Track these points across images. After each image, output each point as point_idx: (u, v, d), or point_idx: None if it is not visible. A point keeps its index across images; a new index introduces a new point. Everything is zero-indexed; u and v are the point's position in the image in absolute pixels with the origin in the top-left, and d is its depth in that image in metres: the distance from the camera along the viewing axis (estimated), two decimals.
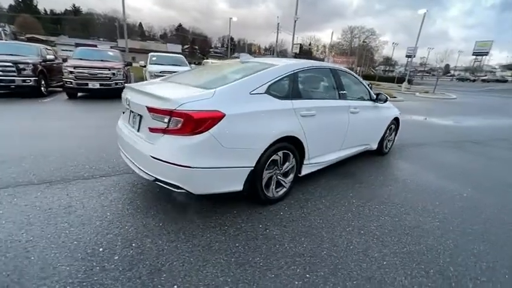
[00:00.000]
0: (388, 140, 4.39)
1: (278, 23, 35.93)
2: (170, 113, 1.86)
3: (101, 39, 60.26)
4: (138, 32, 79.90)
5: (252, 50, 72.70)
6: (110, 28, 61.24)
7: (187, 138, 1.86)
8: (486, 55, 50.36)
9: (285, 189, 2.59)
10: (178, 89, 2.31)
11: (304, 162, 2.71)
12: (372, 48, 63.67)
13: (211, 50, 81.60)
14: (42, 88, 8.03)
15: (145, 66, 10.36)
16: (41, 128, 4.66)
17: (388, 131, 4.23)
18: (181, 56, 11.84)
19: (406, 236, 2.21)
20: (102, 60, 9.10)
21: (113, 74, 8.46)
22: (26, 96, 7.51)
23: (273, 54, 68.94)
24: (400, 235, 2.21)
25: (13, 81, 7.24)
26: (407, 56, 48.21)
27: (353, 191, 2.96)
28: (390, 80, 40.91)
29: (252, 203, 2.49)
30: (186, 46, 68.76)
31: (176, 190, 2.02)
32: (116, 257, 1.73)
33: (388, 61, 68.00)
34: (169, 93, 2.01)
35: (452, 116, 9.73)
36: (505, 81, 44.53)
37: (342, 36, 63.69)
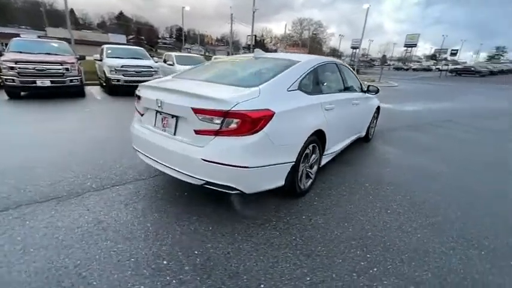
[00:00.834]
0: (371, 127, 4.85)
1: (232, 14, 35.35)
2: (225, 114, 1.81)
3: (23, 27, 51.32)
4: (71, 19, 70.43)
5: (204, 41, 70.25)
6: (33, 14, 52.57)
7: (243, 139, 1.84)
8: (415, 46, 56.63)
9: (311, 180, 2.73)
10: (217, 87, 2.20)
11: (324, 153, 2.88)
12: (320, 39, 67.21)
13: (159, 41, 76.41)
14: None
15: (101, 60, 9.32)
16: (1, 135, 3.95)
17: (372, 119, 4.67)
18: (141, 48, 10.95)
19: (422, 210, 2.55)
20: (49, 54, 7.92)
21: (66, 69, 7.46)
22: None
23: (227, 45, 67.84)
24: (417, 210, 2.54)
25: None
26: (353, 48, 52.27)
27: (361, 176, 3.25)
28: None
29: (283, 197, 2.57)
30: (131, 36, 63.07)
31: (228, 191, 1.99)
32: (187, 267, 1.66)
33: (334, 52, 72.66)
34: (217, 93, 1.93)
35: (402, 102, 11.03)
36: (430, 69, 51.72)
37: (292, 28, 65.72)
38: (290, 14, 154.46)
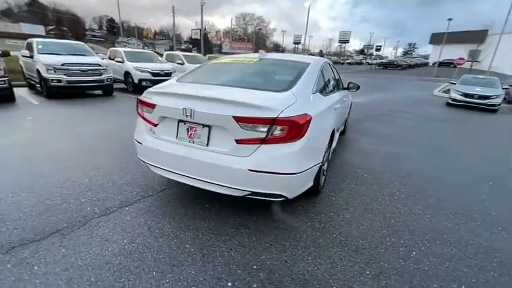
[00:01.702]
0: (347, 121, 5.27)
1: (173, 6, 33.34)
2: (272, 122, 1.75)
3: None
4: None
5: (143, 35, 64.63)
6: None
7: (291, 145, 1.82)
8: (347, 42, 61.83)
9: (324, 177, 2.85)
10: (249, 93, 2.07)
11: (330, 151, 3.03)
12: (264, 35, 68.64)
13: (87, 33, 67.41)
14: None
15: (31, 57, 7.81)
16: None
17: (348, 114, 5.07)
18: (82, 43, 9.55)
19: (417, 193, 2.92)
20: None
21: None
22: None
23: (168, 39, 63.88)
24: (415, 194, 2.90)
25: None
26: (295, 43, 55.04)
27: (356, 168, 3.53)
28: None
29: (301, 197, 2.62)
30: (51, 27, 54.04)
31: (271, 199, 1.95)
32: (255, 285, 1.59)
33: (278, 47, 75.25)
34: (259, 100, 1.85)
35: (352, 94, 12.16)
36: (362, 63, 58.00)
37: (236, 23, 65.48)
38: (232, 8, 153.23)
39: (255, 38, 55.75)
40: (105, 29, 79.08)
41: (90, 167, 3.05)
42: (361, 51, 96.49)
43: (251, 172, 1.80)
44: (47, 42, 8.67)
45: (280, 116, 1.75)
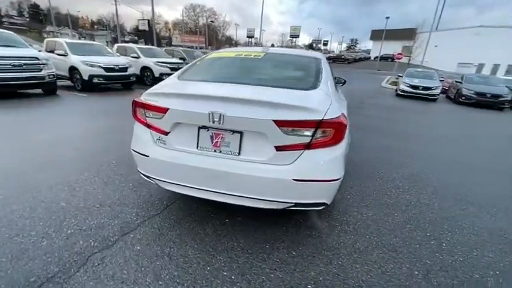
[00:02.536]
0: None
1: None
2: (318, 124, 1.57)
3: None
4: None
5: (78, 24, 56.95)
6: None
7: (335, 149, 1.67)
8: (298, 37, 63.88)
9: None
10: (281, 92, 1.82)
11: None
12: (216, 28, 66.91)
13: (3, 20, 56.81)
14: None
15: None
16: None
17: None
18: (10, 32, 7.87)
19: (418, 182, 3.08)
20: None
21: None
22: None
23: (109, 30, 57.79)
24: (416, 184, 3.05)
25: None
26: (249, 37, 54.92)
27: (354, 164, 3.58)
28: None
29: None
30: None
31: (312, 209, 1.79)
32: None
33: (231, 41, 74.24)
34: (301, 101, 1.64)
35: None
36: None
37: (185, 14, 62.36)
38: None
39: (208, 31, 53.94)
40: (27, 15, 67.75)
41: (62, 186, 2.48)
42: (310, 46, 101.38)
43: (296, 182, 1.60)
44: None
45: (326, 117, 1.58)
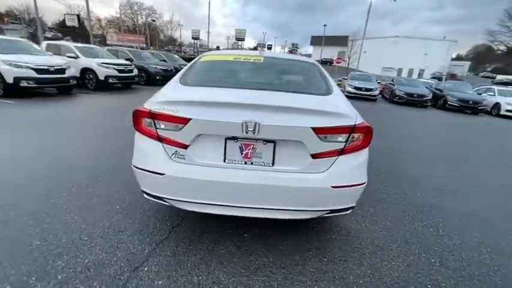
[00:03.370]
0: None
1: None
2: (351, 130, 1.58)
3: None
4: None
5: None
6: None
7: (362, 153, 1.70)
8: (243, 40, 65.09)
9: None
10: (306, 98, 1.79)
11: None
12: (157, 27, 63.28)
13: None
14: None
15: None
16: None
17: None
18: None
19: (403, 176, 3.40)
20: None
21: None
22: None
23: (25, 24, 49.28)
24: (411, 182, 3.36)
25: None
26: (194, 38, 53.31)
27: None
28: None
29: None
30: None
31: (342, 213, 1.79)
32: None
33: (174, 42, 71.07)
34: (333, 107, 1.62)
35: None
36: None
37: (121, 12, 57.23)
38: None
39: (149, 31, 50.52)
40: None
41: (26, 219, 1.97)
42: (255, 49, 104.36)
43: (334, 189, 1.59)
44: None
45: (357, 122, 1.60)
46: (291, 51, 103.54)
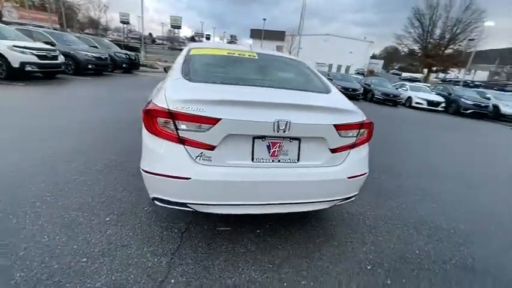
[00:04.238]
0: None
1: None
2: (360, 125, 1.76)
3: None
4: None
5: None
6: None
7: (366, 146, 1.92)
8: (180, 28, 61.81)
9: None
10: (316, 96, 1.90)
11: None
12: (73, 5, 54.16)
13: None
14: None
15: None
16: None
17: None
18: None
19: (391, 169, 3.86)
20: None
21: None
22: None
23: None
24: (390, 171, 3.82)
25: None
26: (123, 22, 47.55)
27: None
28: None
29: None
30: None
31: (348, 201, 1.98)
32: None
33: (97, 24, 62.10)
34: (344, 104, 1.76)
35: None
36: None
37: None
38: None
39: (63, 9, 42.74)
40: None
41: None
42: (192, 39, 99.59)
43: (349, 179, 1.76)
44: None
45: (364, 119, 1.80)
46: (229, 43, 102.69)
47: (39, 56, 7.86)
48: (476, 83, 34.92)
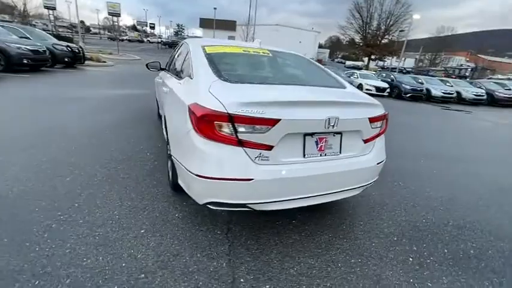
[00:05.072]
0: None
1: None
2: (384, 117, 1.99)
3: None
4: None
5: None
6: None
7: (383, 135, 2.15)
8: (119, 16, 56.51)
9: None
10: (336, 91, 2.04)
11: None
12: None
13: None
14: None
15: None
16: None
17: None
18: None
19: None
20: None
21: None
22: None
23: None
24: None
25: None
26: (48, 8, 41.01)
27: None
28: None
29: None
30: None
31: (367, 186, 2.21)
32: None
33: (12, 9, 52.41)
34: (369, 99, 1.95)
35: None
36: (143, 41, 55.29)
37: None
38: None
39: None
40: None
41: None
42: (134, 28, 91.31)
43: (377, 165, 1.98)
44: None
45: (384, 110, 2.03)
46: (177, 33, 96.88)
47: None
48: (407, 69, 39.92)
